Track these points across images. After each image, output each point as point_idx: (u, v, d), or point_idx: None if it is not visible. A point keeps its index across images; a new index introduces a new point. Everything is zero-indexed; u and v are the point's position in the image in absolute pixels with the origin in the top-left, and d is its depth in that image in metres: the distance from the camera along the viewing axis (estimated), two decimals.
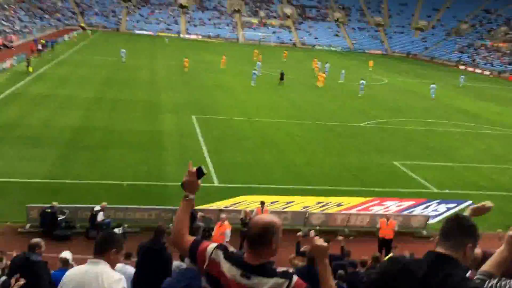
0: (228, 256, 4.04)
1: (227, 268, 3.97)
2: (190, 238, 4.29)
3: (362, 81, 57.24)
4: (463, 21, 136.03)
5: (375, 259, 14.26)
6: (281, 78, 60.44)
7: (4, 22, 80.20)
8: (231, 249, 4.23)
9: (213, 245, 4.14)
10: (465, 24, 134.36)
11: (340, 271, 12.33)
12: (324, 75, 64.07)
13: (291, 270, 4.11)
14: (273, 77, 62.55)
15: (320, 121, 41.29)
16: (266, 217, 4.09)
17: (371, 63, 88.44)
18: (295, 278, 3.86)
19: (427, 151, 34.84)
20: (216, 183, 25.16)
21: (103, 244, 5.57)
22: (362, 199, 24.31)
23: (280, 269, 3.96)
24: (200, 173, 4.45)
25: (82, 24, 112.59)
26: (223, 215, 18.24)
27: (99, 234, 6.23)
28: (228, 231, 17.26)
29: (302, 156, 31.03)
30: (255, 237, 3.95)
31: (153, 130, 33.94)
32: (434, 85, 59.98)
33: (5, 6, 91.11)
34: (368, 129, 40.39)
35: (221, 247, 4.15)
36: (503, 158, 34.77)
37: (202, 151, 30.12)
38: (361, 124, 41.71)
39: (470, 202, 25.01)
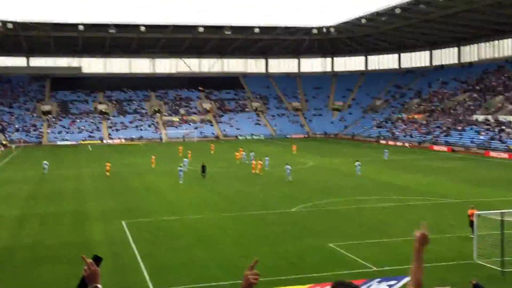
0: None
1: None
2: None
3: (287, 166, 57.31)
4: (377, 97, 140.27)
5: None
6: (203, 171, 60.46)
7: None
8: None
9: None
10: (379, 100, 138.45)
11: None
12: (260, 162, 64.19)
13: None
14: (198, 172, 62.04)
15: (251, 211, 40.77)
16: None
17: (294, 147, 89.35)
18: None
19: (360, 229, 34.52)
20: None
21: None
22: (304, 287, 23.60)
23: None
24: (97, 260, 4.52)
25: (4, 142, 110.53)
26: None
27: None
28: None
29: (236, 249, 30.27)
30: None
31: (83, 241, 32.61)
32: (359, 162, 60.61)
33: None
34: (300, 214, 40.03)
35: None
36: (436, 228, 34.63)
37: (135, 256, 29.02)
38: (293, 210, 41.35)
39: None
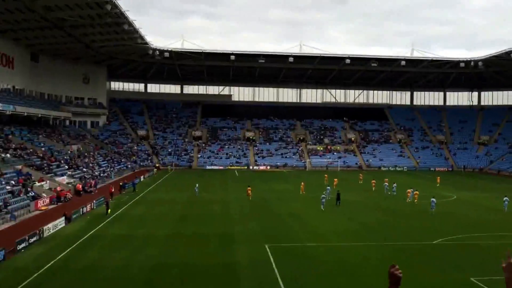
0: None
1: None
2: None
3: (432, 199, 56.05)
4: None
5: None
6: (338, 199, 60.74)
7: (84, 169, 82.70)
8: None
9: None
10: None
11: None
12: (417, 192, 64.18)
13: None
14: (343, 201, 61.86)
15: (392, 241, 40.16)
16: None
17: (438, 179, 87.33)
18: None
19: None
20: None
21: None
22: None
23: None
24: None
25: (157, 164, 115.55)
26: None
27: None
28: None
29: (380, 278, 29.79)
30: None
31: (228, 262, 33.41)
32: (506, 198, 58.23)
33: (85, 153, 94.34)
34: (442, 246, 38.98)
35: None
36: None
37: (277, 280, 29.37)
38: (434, 242, 40.35)
39: None
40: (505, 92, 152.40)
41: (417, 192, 64.58)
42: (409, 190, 66.77)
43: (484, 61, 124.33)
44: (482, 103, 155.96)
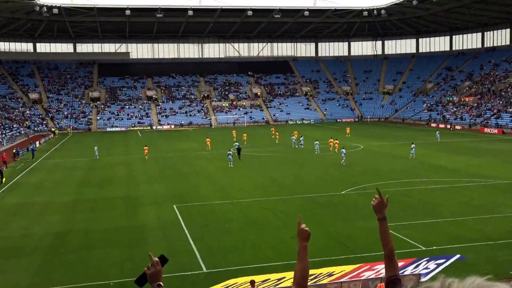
0: None
1: None
2: None
3: (342, 150, 57.70)
4: (428, 80, 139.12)
5: None
6: (238, 153, 62.48)
7: None
8: None
9: None
10: (429, 83, 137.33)
11: None
12: (337, 141, 67.80)
13: None
14: (253, 156, 62.88)
15: (301, 194, 41.36)
16: None
17: (348, 129, 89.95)
18: None
19: (410, 211, 34.84)
20: (204, 270, 24.93)
21: None
22: (352, 266, 24.13)
23: None
24: (164, 261, 4.45)
25: (53, 129, 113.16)
26: None
27: None
28: None
29: (287, 231, 30.84)
30: None
31: (135, 225, 33.65)
32: (413, 145, 60.90)
33: None
34: (350, 196, 40.52)
35: None
36: (484, 208, 34.99)
37: (188, 239, 29.87)
38: (342, 192, 41.86)
39: (458, 256, 25.02)
40: (408, 40, 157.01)
41: (337, 141, 66.69)
42: (330, 140, 68.73)
43: (387, 9, 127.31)
44: (386, 52, 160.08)
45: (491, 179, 45.73)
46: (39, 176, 55.31)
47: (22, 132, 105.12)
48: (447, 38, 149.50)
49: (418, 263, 24.14)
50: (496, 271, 21.75)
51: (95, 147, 69.49)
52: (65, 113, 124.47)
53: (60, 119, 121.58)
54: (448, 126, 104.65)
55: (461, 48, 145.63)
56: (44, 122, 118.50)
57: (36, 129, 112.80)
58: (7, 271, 25.83)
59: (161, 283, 4.38)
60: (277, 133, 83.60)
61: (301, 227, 4.89)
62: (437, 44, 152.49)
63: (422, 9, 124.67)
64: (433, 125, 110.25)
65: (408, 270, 23.41)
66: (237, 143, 69.71)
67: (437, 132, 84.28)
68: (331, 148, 67.44)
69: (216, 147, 72.93)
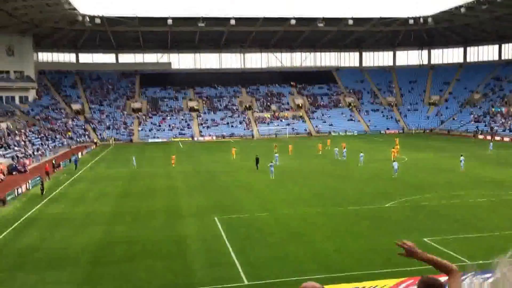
0: None
1: None
2: None
3: (395, 163, 57.70)
4: (475, 91, 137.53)
5: None
6: (257, 163, 64.19)
7: (16, 148, 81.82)
8: None
9: None
10: (477, 94, 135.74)
11: None
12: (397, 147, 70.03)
13: None
14: (291, 168, 63.03)
15: (344, 207, 41.37)
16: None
17: (397, 141, 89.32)
18: None
19: (455, 225, 34.62)
20: (245, 282, 25.12)
21: None
22: (397, 280, 24.10)
23: None
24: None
25: (96, 140, 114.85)
26: None
27: None
28: None
29: (329, 244, 30.91)
30: None
31: (176, 237, 34.05)
32: (463, 157, 60.75)
33: (16, 131, 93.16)
34: (394, 209, 40.37)
35: None
36: None
37: (229, 251, 30.12)
38: (386, 205, 41.73)
39: None
40: (455, 49, 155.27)
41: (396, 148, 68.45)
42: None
43: (434, 17, 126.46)
44: (432, 62, 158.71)
45: None
46: (81, 187, 56.29)
47: (65, 143, 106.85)
48: (496, 46, 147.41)
49: (464, 277, 24.00)
50: None
51: (133, 157, 71.15)
52: (107, 123, 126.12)
53: (102, 130, 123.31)
54: (497, 138, 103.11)
55: (510, 57, 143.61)
56: (86, 133, 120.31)
57: (78, 140, 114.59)
58: (51, 283, 26.28)
59: None
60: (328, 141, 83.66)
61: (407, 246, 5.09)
62: (486, 53, 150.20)
63: (471, 17, 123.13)
64: (480, 136, 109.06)
65: None
66: (277, 155, 70.10)
67: (491, 143, 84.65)
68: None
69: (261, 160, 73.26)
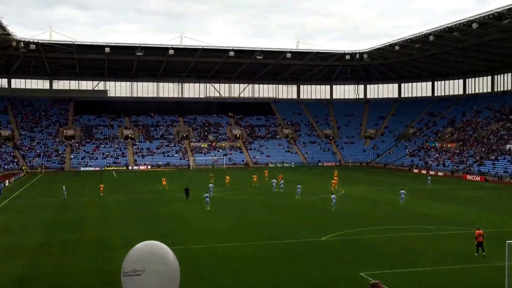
0: None
1: None
2: None
3: (333, 196, 56.48)
4: (410, 125, 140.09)
5: None
6: (186, 194, 63.60)
7: None
8: None
9: None
10: (412, 128, 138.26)
11: None
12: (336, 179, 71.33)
13: None
14: (228, 200, 62.07)
15: (280, 240, 40.52)
16: None
17: (336, 172, 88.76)
18: None
19: (391, 259, 34.21)
20: None
21: None
22: None
23: None
24: None
25: (24, 167, 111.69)
26: None
27: None
28: None
29: (265, 277, 30.00)
30: None
31: (106, 270, 32.56)
32: (403, 191, 61.00)
33: None
34: (330, 243, 39.72)
35: None
36: (468, 257, 34.32)
37: None
38: (322, 239, 41.04)
39: None
40: (390, 85, 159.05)
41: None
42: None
43: (369, 53, 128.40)
44: (368, 96, 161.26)
45: (474, 227, 45.15)
46: (6, 217, 53.99)
47: None
48: (429, 83, 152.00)
49: None
50: None
51: (63, 187, 68.58)
52: (38, 151, 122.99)
53: (32, 157, 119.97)
54: (432, 172, 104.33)
55: (443, 94, 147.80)
56: (15, 160, 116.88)
57: (6, 167, 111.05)
58: None
59: None
60: (254, 177, 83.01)
61: None
62: (419, 89, 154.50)
63: (404, 55, 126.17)
64: (415, 170, 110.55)
65: None
66: (211, 185, 69.28)
67: (429, 177, 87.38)
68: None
69: (194, 189, 71.97)
